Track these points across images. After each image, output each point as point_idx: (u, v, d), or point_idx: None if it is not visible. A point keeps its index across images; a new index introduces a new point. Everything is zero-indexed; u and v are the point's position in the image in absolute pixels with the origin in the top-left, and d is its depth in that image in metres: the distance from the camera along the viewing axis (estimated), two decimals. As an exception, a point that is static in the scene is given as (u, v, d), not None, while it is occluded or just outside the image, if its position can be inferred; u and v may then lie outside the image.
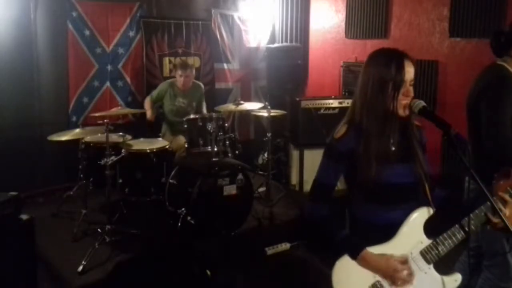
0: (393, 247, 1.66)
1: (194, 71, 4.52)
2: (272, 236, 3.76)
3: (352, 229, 1.76)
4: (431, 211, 1.68)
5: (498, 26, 3.75)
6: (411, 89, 1.60)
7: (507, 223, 1.49)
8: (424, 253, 1.65)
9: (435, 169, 4.24)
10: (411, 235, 1.67)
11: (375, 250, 1.65)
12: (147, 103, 4.48)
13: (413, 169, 1.65)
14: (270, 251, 3.55)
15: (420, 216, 1.67)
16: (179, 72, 4.36)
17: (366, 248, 1.64)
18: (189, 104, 4.48)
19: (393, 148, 1.65)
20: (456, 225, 1.63)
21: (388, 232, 1.67)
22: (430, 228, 1.67)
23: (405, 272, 1.62)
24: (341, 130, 1.67)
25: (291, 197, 4.61)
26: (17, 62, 4.12)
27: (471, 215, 1.59)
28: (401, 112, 1.60)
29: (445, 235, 1.64)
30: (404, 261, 1.64)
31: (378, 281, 1.65)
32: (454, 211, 1.72)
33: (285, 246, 3.62)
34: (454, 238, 1.63)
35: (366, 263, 1.64)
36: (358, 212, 1.73)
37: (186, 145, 3.89)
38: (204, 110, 4.60)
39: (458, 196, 1.79)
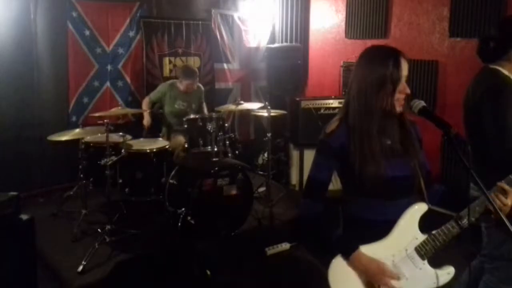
0: (389, 244, 1.65)
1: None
2: (272, 236, 3.76)
3: (346, 227, 1.75)
4: (426, 206, 1.67)
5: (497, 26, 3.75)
6: (406, 85, 1.61)
7: (507, 223, 1.48)
8: (419, 249, 1.65)
9: (435, 169, 4.27)
10: (406, 231, 1.66)
11: (370, 247, 1.64)
12: (145, 104, 4.45)
13: (409, 164, 1.65)
14: (270, 251, 3.55)
15: (415, 212, 1.67)
16: (188, 81, 4.30)
17: (361, 247, 1.63)
18: (189, 106, 4.46)
19: (389, 143, 1.65)
20: (451, 220, 1.62)
21: (383, 228, 1.66)
22: (425, 224, 1.67)
23: (392, 280, 1.60)
24: (332, 125, 1.68)
25: (291, 197, 4.61)
26: (17, 62, 4.12)
27: (469, 208, 1.58)
28: (397, 108, 1.60)
29: (439, 230, 1.64)
30: (395, 275, 1.62)
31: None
32: (455, 204, 1.72)
33: (285, 246, 3.62)
34: (449, 233, 1.62)
35: (358, 264, 1.63)
36: (352, 208, 1.73)
37: (185, 145, 3.89)
38: (205, 111, 4.59)
39: (458, 190, 1.78)
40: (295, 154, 5.02)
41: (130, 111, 4.02)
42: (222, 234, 3.67)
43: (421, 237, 1.66)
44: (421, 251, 1.65)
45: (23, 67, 4.17)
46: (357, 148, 1.60)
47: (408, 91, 1.60)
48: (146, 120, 4.34)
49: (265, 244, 3.59)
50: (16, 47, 4.09)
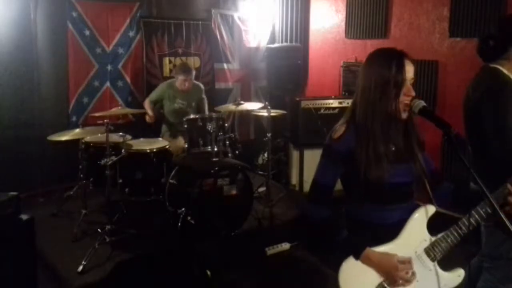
0: (398, 247, 1.66)
1: (194, 72, 4.53)
2: (272, 236, 3.76)
3: (350, 230, 1.75)
4: (434, 208, 1.68)
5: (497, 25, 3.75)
6: (411, 88, 1.60)
7: (507, 223, 1.48)
8: (428, 251, 1.66)
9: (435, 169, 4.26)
10: (415, 233, 1.67)
11: (379, 250, 1.65)
12: (146, 104, 4.48)
13: (413, 169, 1.66)
14: (270, 251, 3.55)
15: (423, 214, 1.68)
16: (182, 77, 4.33)
17: (369, 247, 1.63)
18: (188, 105, 4.47)
19: (393, 148, 1.65)
20: (459, 221, 1.63)
21: (387, 231, 1.67)
22: (434, 225, 1.67)
23: (406, 272, 1.61)
24: (339, 130, 1.67)
25: (291, 197, 4.61)
26: (17, 62, 4.12)
27: (477, 208, 1.59)
28: (403, 111, 1.60)
29: (448, 232, 1.65)
30: (407, 261, 1.63)
31: (384, 281, 1.66)
32: (466, 202, 1.71)
33: (285, 246, 3.62)
34: (456, 235, 1.63)
35: (369, 261, 1.63)
36: (357, 212, 1.73)
37: (186, 145, 3.90)
38: (206, 110, 4.59)
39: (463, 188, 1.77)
40: (295, 154, 5.02)
41: (130, 111, 4.02)
42: (222, 234, 3.67)
43: (430, 239, 1.67)
44: (431, 252, 1.66)
45: (23, 67, 4.17)
46: (363, 150, 1.60)
47: (413, 93, 1.60)
48: (149, 117, 4.35)
49: (265, 244, 3.59)
50: (16, 47, 4.09)
